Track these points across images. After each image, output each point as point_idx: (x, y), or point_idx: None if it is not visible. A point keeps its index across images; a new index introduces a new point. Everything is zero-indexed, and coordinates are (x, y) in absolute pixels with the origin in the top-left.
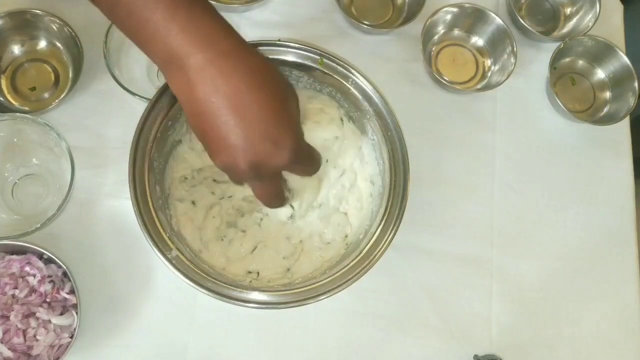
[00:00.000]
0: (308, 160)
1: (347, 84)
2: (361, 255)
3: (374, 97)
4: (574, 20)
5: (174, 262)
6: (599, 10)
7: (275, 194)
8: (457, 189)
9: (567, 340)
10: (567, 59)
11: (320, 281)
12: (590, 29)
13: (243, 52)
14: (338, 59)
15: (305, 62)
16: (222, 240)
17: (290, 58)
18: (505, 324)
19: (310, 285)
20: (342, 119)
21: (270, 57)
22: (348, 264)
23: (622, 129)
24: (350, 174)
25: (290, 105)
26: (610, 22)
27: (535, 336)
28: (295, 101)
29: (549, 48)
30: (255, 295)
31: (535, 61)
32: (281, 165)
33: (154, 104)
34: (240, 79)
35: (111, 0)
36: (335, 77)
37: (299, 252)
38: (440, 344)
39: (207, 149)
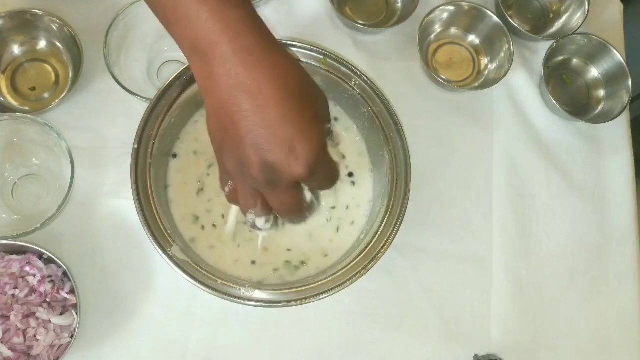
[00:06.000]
0: (326, 175)
1: (350, 84)
2: (362, 255)
3: (377, 97)
4: (563, 18)
5: (174, 258)
6: (588, 9)
7: (294, 206)
8: (456, 188)
9: (566, 339)
10: (561, 58)
11: (321, 281)
12: (580, 27)
13: (270, 48)
14: (342, 59)
15: (309, 62)
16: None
17: None
18: (505, 324)
19: (310, 284)
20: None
21: None
22: (348, 264)
23: (621, 127)
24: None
25: (318, 109)
26: (604, 20)
27: (535, 336)
28: (324, 105)
29: (543, 46)
30: (256, 294)
31: (531, 59)
32: (296, 175)
33: (154, 104)
34: (265, 75)
35: None
36: (339, 77)
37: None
38: (440, 344)
39: (224, 145)
